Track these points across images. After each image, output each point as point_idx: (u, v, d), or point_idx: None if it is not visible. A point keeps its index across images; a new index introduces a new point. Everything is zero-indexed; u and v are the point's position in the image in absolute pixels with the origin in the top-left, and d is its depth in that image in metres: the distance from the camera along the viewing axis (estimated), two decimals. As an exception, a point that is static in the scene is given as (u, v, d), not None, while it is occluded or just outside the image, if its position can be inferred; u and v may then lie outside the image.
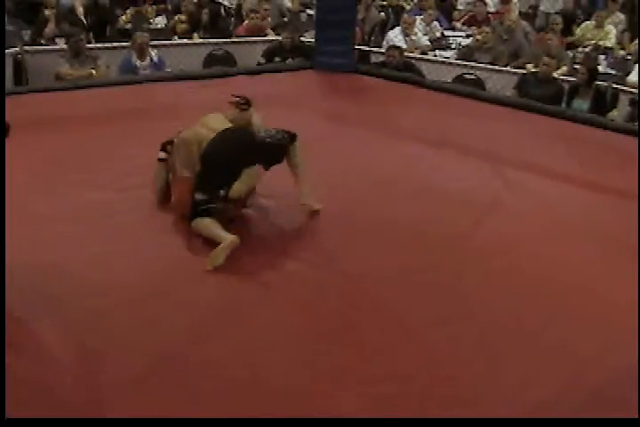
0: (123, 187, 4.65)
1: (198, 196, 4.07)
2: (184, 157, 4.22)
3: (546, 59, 7.86)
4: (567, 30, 10.27)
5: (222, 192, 4.10)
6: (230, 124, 4.30)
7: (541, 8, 11.66)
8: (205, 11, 10.20)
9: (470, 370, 3.16)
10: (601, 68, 8.51)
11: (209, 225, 4.05)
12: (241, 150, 4.18)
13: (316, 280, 3.83)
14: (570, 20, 10.44)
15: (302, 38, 9.19)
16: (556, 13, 10.62)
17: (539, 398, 2.98)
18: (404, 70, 8.16)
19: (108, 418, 2.81)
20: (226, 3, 11.32)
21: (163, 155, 4.41)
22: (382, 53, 8.93)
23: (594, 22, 10.36)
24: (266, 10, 10.39)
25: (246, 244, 4.09)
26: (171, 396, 2.91)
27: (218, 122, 4.31)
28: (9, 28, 9.45)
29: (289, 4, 11.50)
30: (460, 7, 11.81)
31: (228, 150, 4.15)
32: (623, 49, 9.87)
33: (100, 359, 3.11)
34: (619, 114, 7.54)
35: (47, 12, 9.75)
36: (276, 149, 4.28)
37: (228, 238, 3.93)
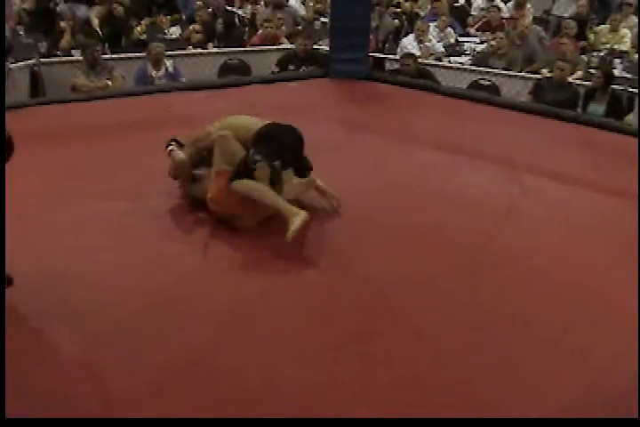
0: (138, 196, 4.66)
1: (256, 156, 4.09)
2: (225, 153, 4.24)
3: (560, 63, 7.85)
4: (581, 34, 10.25)
5: (277, 164, 4.12)
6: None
7: (554, 12, 11.66)
8: (220, 21, 10.26)
9: (487, 376, 3.14)
10: (616, 72, 8.49)
11: (266, 189, 4.10)
12: (295, 141, 4.24)
13: (331, 287, 3.83)
14: (584, 25, 10.41)
15: (316, 46, 9.22)
16: (569, 18, 10.60)
17: (557, 404, 2.96)
18: (418, 77, 8.17)
19: (109, 418, 2.82)
20: (240, 12, 11.38)
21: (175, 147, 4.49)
22: (397, 60, 8.95)
23: (608, 26, 10.35)
24: (280, 19, 10.43)
25: (260, 251, 4.10)
26: (186, 404, 2.91)
27: (251, 120, 4.43)
28: (25, 40, 9.55)
29: (303, 13, 11.55)
30: (473, 13, 11.83)
31: (286, 131, 4.23)
32: (638, 52, 9.84)
33: (117, 369, 3.11)
34: (635, 118, 7.51)
35: (63, 24, 9.86)
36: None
37: (298, 211, 4.01)
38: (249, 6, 11.67)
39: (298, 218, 3.99)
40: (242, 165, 4.16)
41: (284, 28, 10.45)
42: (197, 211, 4.49)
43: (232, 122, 4.43)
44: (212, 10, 10.45)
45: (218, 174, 4.25)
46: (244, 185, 4.13)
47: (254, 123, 4.34)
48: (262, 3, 11.58)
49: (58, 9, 10.43)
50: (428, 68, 8.70)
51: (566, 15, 11.38)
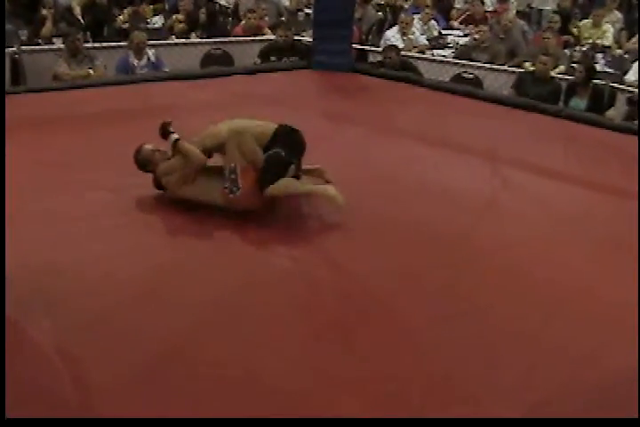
0: (122, 186, 4.64)
1: (284, 153, 4.27)
2: (245, 149, 4.30)
3: (543, 57, 7.85)
4: (564, 29, 10.27)
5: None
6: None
7: (534, 4, 11.69)
8: (203, 10, 10.20)
9: (469, 369, 3.15)
10: (598, 67, 8.50)
11: (295, 182, 4.34)
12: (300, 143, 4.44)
13: (314, 279, 3.83)
14: (566, 19, 10.43)
15: (300, 37, 9.18)
16: (554, 12, 10.62)
17: (537, 397, 2.98)
18: (401, 69, 8.15)
19: (105, 418, 2.80)
20: (223, 2, 11.31)
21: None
22: (380, 53, 8.93)
23: (591, 21, 10.37)
24: (263, 9, 10.38)
25: (242, 243, 4.09)
26: (167, 396, 2.91)
27: (257, 122, 4.50)
28: (7, 27, 9.45)
29: (287, 3, 11.50)
30: (457, 6, 11.82)
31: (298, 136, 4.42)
32: (620, 48, 9.89)
33: (97, 360, 3.10)
34: (616, 112, 7.54)
35: (44, 12, 9.75)
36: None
37: (328, 187, 4.36)
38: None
39: (331, 191, 4.32)
40: (269, 167, 4.25)
41: (267, 18, 10.39)
42: (180, 202, 4.48)
43: (241, 123, 4.45)
44: (195, 0, 10.39)
45: (243, 171, 4.28)
46: (279, 188, 4.26)
47: (262, 124, 4.43)
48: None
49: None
50: (412, 60, 8.69)
51: (547, 8, 11.42)
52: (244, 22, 10.05)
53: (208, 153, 4.41)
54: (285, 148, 4.29)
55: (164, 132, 4.42)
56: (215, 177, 4.33)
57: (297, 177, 4.42)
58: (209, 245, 4.11)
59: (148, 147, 4.54)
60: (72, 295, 3.54)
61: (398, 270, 3.92)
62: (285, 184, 4.26)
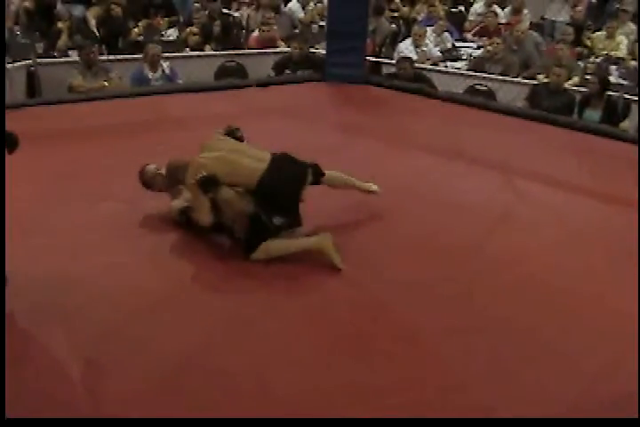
0: (136, 198, 4.65)
1: (277, 221, 4.01)
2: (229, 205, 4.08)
3: (556, 69, 7.85)
4: (578, 40, 10.27)
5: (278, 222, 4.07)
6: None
7: (547, 16, 11.69)
8: (217, 23, 10.25)
9: (482, 380, 3.14)
10: (612, 79, 8.49)
11: (287, 242, 4.07)
12: (296, 175, 4.17)
13: (327, 290, 3.83)
14: (580, 30, 10.43)
15: (313, 50, 9.21)
16: (567, 24, 10.62)
17: (550, 410, 2.96)
18: (415, 81, 8.17)
19: (107, 418, 2.82)
20: (236, 14, 11.37)
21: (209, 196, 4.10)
22: (393, 65, 8.95)
23: (605, 33, 10.37)
24: (270, 20, 10.38)
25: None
26: (181, 407, 2.90)
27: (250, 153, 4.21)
28: (23, 40, 9.53)
29: (301, 15, 11.55)
30: (470, 18, 11.82)
31: (286, 177, 4.11)
32: (634, 59, 9.86)
33: (109, 372, 3.11)
34: (630, 124, 7.52)
35: (60, 25, 9.84)
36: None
37: (320, 239, 4.03)
38: (245, 8, 11.67)
39: (326, 244, 4.01)
40: (250, 231, 4.04)
41: (276, 29, 10.40)
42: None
43: (229, 158, 4.14)
44: (209, 12, 10.44)
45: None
46: (265, 253, 4.04)
47: (247, 165, 4.09)
48: (253, 6, 11.59)
49: (55, 9, 10.41)
50: (425, 72, 8.71)
51: (560, 19, 11.42)
52: (256, 34, 10.10)
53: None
54: (276, 196, 4.04)
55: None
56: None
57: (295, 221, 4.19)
58: (222, 256, 4.11)
59: (151, 168, 4.53)
60: (86, 306, 3.55)
61: (412, 282, 3.91)
62: (274, 247, 4.05)
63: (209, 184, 4.00)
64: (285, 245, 4.08)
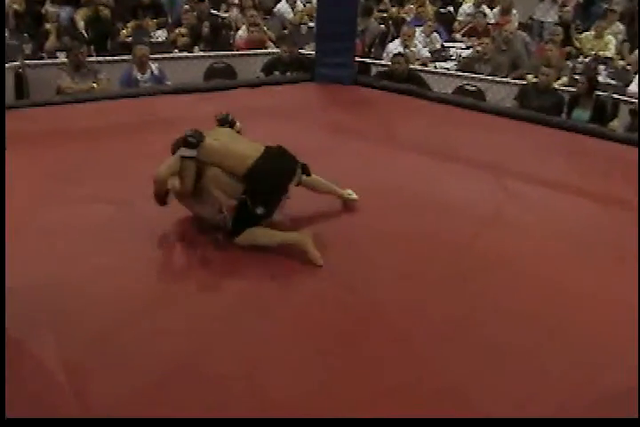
0: (124, 200, 4.64)
1: (259, 210, 4.05)
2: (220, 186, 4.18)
3: (545, 69, 7.88)
4: (566, 40, 10.30)
5: (279, 205, 4.16)
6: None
7: (535, 16, 11.72)
8: (206, 24, 10.24)
9: (476, 382, 3.14)
10: (601, 79, 8.52)
11: (269, 232, 4.12)
12: (286, 169, 4.24)
13: (318, 292, 3.83)
14: (568, 30, 10.45)
15: (302, 51, 9.20)
16: (555, 24, 10.64)
17: (544, 409, 2.96)
18: (408, 80, 8.17)
19: (106, 418, 2.81)
20: (225, 15, 11.36)
21: (192, 153, 4.16)
22: (383, 65, 8.96)
23: (593, 32, 10.40)
24: (255, 18, 10.37)
25: (248, 257, 4.09)
26: (172, 411, 2.89)
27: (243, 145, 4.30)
28: (10, 42, 9.50)
29: (290, 16, 11.55)
30: (459, 18, 11.84)
31: (276, 169, 4.18)
32: (623, 59, 9.90)
33: (100, 376, 3.09)
34: (619, 124, 7.55)
35: (48, 26, 9.80)
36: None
37: (301, 236, 4.08)
38: (234, 10, 11.66)
39: (306, 241, 4.06)
40: (237, 216, 4.10)
41: (266, 30, 10.40)
42: (183, 215, 4.48)
43: (226, 141, 4.27)
44: (197, 13, 10.43)
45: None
46: (247, 239, 4.11)
47: (240, 153, 4.18)
48: (234, 9, 11.60)
49: (43, 10, 10.39)
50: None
51: (549, 20, 11.45)
52: (245, 35, 10.08)
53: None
54: (262, 186, 4.09)
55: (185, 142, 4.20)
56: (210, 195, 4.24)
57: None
58: (215, 258, 4.10)
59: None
60: (78, 309, 3.54)
61: (404, 282, 3.92)
62: (257, 235, 4.10)
63: (194, 137, 4.14)
64: (270, 234, 4.12)
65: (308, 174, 4.41)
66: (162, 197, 4.32)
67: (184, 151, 4.17)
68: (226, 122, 4.53)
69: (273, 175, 4.15)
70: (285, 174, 4.22)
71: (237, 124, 4.57)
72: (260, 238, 4.11)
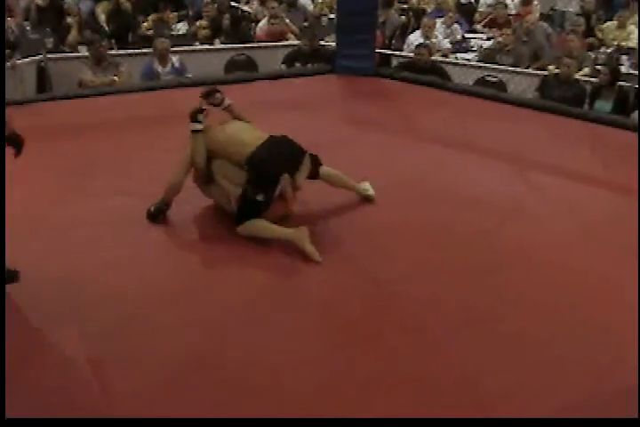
0: (145, 193, 4.65)
1: (259, 197, 4.10)
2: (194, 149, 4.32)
3: (566, 60, 7.82)
4: (588, 31, 10.23)
5: (277, 191, 4.16)
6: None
7: (556, 7, 11.65)
8: (226, 16, 10.25)
9: (495, 373, 3.14)
10: (623, 69, 8.45)
11: (268, 226, 4.14)
12: (288, 157, 4.25)
13: (338, 283, 3.83)
14: (590, 21, 10.38)
15: (323, 42, 9.20)
16: (577, 15, 10.57)
17: (561, 402, 2.96)
18: (431, 72, 8.14)
19: (111, 418, 2.82)
20: (246, 8, 11.36)
21: (199, 126, 4.35)
22: (403, 57, 8.93)
23: (616, 23, 10.32)
24: (279, 10, 10.37)
25: (265, 249, 4.10)
26: (191, 403, 2.91)
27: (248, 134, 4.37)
28: (33, 36, 9.56)
29: (311, 8, 11.55)
30: (480, 9, 11.78)
31: (276, 156, 4.20)
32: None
33: (123, 369, 3.11)
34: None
35: (70, 20, 9.85)
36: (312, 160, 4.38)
37: (298, 233, 4.06)
38: (255, 2, 11.68)
39: (302, 238, 4.05)
40: (240, 206, 4.17)
41: (287, 22, 10.38)
42: (205, 208, 4.50)
43: (229, 129, 4.41)
44: (218, 5, 10.43)
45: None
46: (249, 230, 4.16)
47: (248, 139, 4.26)
48: (255, 1, 11.61)
49: (65, 4, 10.44)
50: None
51: (570, 10, 11.37)
52: (266, 27, 10.08)
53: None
54: (261, 172, 4.12)
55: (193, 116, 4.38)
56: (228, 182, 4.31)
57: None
58: (233, 251, 4.12)
59: None
60: (98, 302, 3.56)
61: (423, 275, 3.92)
62: (257, 227, 4.14)
63: (197, 112, 4.35)
64: (269, 228, 4.14)
65: (320, 164, 4.43)
66: (168, 203, 4.41)
67: (192, 126, 4.33)
68: (208, 96, 4.52)
69: (272, 162, 4.16)
70: (286, 162, 4.22)
71: (225, 101, 4.57)
72: (259, 231, 4.15)
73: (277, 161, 4.18)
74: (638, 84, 7.64)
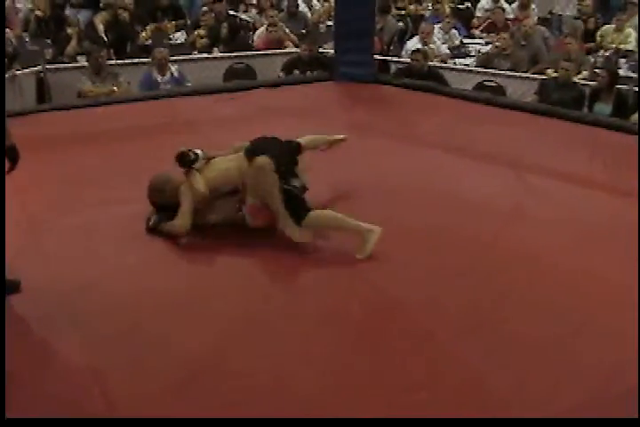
0: (146, 202, 4.64)
1: (296, 182, 4.16)
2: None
3: (564, 63, 7.84)
4: (586, 34, 10.24)
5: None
6: None
7: (555, 11, 11.67)
8: (224, 25, 10.26)
9: (499, 376, 3.14)
10: (622, 72, 8.46)
11: (338, 216, 4.14)
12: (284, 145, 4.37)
13: (342, 289, 3.83)
14: (588, 24, 10.40)
15: (322, 49, 9.21)
16: (575, 18, 10.59)
17: (566, 404, 2.95)
18: (428, 77, 8.15)
19: (110, 418, 2.82)
20: (244, 16, 11.38)
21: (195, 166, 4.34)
22: (402, 63, 8.96)
23: (614, 26, 10.33)
24: (277, 18, 10.39)
25: (268, 254, 4.10)
26: (194, 409, 2.90)
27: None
28: (32, 47, 9.58)
29: (309, 16, 11.57)
30: (478, 14, 11.80)
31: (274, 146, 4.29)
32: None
33: (125, 374, 3.11)
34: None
35: (69, 31, 9.87)
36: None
37: (370, 229, 4.06)
38: (253, 10, 11.70)
39: (373, 234, 4.06)
40: (287, 199, 4.14)
41: (286, 30, 10.40)
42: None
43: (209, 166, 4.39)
44: (215, 14, 10.45)
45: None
46: (317, 221, 4.16)
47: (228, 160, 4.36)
48: (253, 9, 11.64)
49: (66, 15, 10.46)
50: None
51: (568, 14, 11.40)
52: (264, 35, 10.09)
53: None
54: (273, 155, 4.16)
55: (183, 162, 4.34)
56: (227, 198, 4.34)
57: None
58: (236, 257, 4.12)
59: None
60: (100, 309, 3.56)
61: (424, 279, 3.92)
62: (326, 216, 4.17)
63: (184, 157, 4.29)
64: (341, 218, 4.13)
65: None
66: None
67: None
68: (184, 161, 4.38)
69: (270, 148, 4.21)
70: (283, 145, 4.32)
71: (200, 157, 4.38)
72: (329, 221, 4.17)
73: (273, 145, 4.28)
74: (638, 85, 7.65)
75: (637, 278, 3.77)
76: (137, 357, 3.23)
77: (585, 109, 7.55)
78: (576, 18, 10.72)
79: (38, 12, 10.12)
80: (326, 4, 11.56)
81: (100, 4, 10.36)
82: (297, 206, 4.13)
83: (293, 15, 11.31)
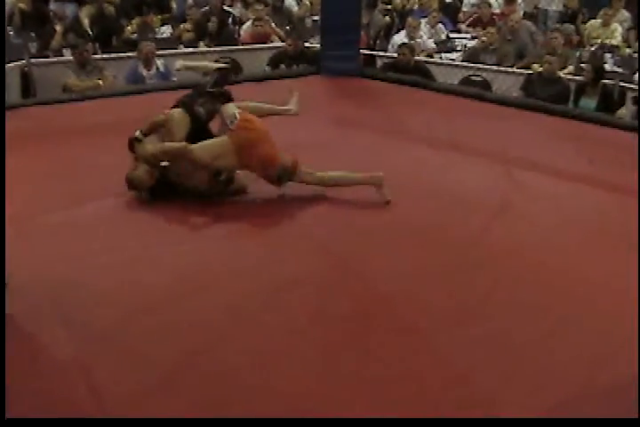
0: (130, 195, 4.65)
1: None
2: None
3: (549, 57, 7.85)
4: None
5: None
6: None
7: (540, 5, 11.68)
8: (214, 19, 10.23)
9: (484, 372, 3.14)
10: (607, 67, 8.49)
11: (347, 174, 4.71)
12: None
13: (328, 284, 3.83)
14: (574, 19, 10.42)
15: (307, 44, 9.20)
16: (560, 13, 10.61)
17: (552, 400, 2.96)
18: (415, 72, 8.15)
19: (108, 418, 2.82)
20: (235, 12, 11.35)
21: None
22: (388, 57, 8.95)
23: (600, 20, 10.35)
24: (263, 12, 10.37)
25: (254, 249, 4.10)
26: (181, 405, 2.90)
27: None
28: (16, 41, 9.51)
29: (295, 10, 11.55)
30: (464, 9, 11.81)
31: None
32: (629, 47, 9.85)
33: (112, 370, 3.10)
34: (627, 112, 7.51)
35: (54, 24, 9.81)
36: None
37: (374, 176, 4.67)
38: (238, 5, 11.66)
39: (380, 180, 4.65)
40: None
41: (277, 29, 10.38)
42: (196, 211, 4.49)
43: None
44: (210, 8, 10.41)
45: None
46: (332, 178, 4.66)
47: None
48: (238, 4, 11.60)
49: (50, 9, 10.40)
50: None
51: (554, 8, 11.42)
52: (251, 29, 10.07)
53: None
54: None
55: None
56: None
57: None
58: (222, 250, 4.12)
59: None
60: (87, 305, 3.55)
61: (412, 274, 3.92)
62: (339, 176, 4.70)
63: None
64: (347, 177, 4.71)
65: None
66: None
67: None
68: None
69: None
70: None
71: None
72: (341, 179, 4.67)
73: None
74: (639, 86, 7.67)
75: (623, 274, 3.79)
76: (125, 352, 3.22)
77: (570, 104, 7.56)
78: (562, 12, 10.74)
79: (22, 6, 10.05)
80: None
81: (85, -2, 10.30)
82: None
83: (278, 9, 11.29)
